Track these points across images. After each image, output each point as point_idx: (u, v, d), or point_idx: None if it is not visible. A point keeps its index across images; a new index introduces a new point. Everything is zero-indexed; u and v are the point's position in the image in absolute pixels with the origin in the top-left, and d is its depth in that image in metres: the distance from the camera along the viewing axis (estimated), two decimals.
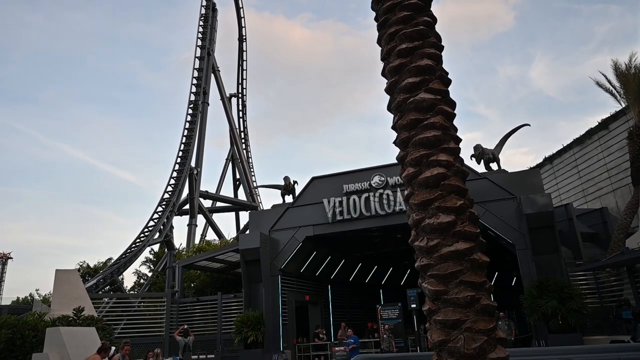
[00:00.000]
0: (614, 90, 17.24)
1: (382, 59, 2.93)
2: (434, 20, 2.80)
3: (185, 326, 16.63)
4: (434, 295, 2.36)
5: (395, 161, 3.46)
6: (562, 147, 28.08)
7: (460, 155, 2.61)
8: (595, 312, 13.78)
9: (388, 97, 3.06)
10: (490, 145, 18.20)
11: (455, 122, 2.87)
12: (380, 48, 2.95)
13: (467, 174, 2.52)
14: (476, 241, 2.37)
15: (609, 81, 17.03)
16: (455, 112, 2.67)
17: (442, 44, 3.05)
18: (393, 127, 2.77)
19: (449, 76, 2.88)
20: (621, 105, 18.07)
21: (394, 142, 2.76)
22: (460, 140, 2.64)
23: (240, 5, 52.02)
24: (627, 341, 10.44)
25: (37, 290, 45.48)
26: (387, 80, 2.85)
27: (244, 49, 53.63)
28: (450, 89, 2.85)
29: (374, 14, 3.07)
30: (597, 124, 24.78)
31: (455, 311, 2.25)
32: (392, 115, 2.93)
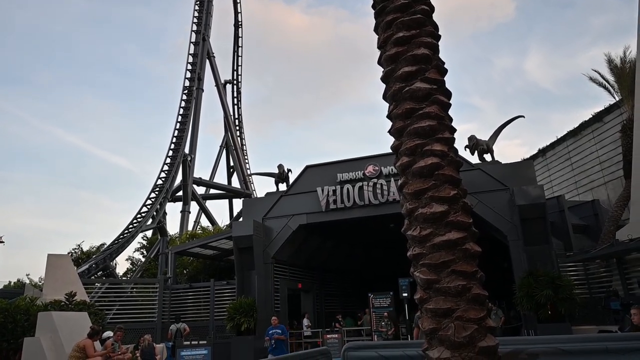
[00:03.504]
0: (607, 85, 17.31)
1: (378, 47, 2.91)
2: (432, 8, 2.78)
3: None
4: (425, 284, 2.38)
5: (389, 151, 3.45)
6: (555, 139, 28.18)
7: (455, 145, 2.61)
8: (584, 303, 13.99)
9: (385, 86, 3.05)
10: (485, 136, 18.26)
11: (450, 113, 2.87)
12: (377, 36, 2.93)
13: (462, 164, 2.52)
14: (469, 231, 2.39)
15: (602, 76, 17.10)
16: (450, 102, 2.67)
17: (440, 33, 3.04)
18: (388, 116, 2.76)
19: (445, 66, 2.87)
20: (615, 99, 18.16)
21: (389, 131, 2.75)
22: (455, 130, 2.64)
23: None
24: (615, 331, 10.62)
25: (27, 275, 45.33)
26: (383, 69, 2.84)
27: (240, 35, 53.11)
28: (446, 79, 2.84)
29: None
30: (590, 116, 24.87)
31: (446, 300, 2.27)
32: (387, 105, 2.92)
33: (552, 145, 28.68)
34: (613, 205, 16.47)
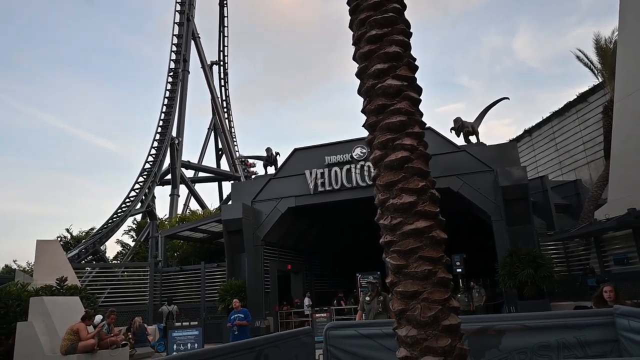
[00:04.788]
0: (592, 65, 17.54)
1: (353, 44, 3.04)
2: (403, 7, 2.90)
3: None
4: (395, 269, 2.57)
5: None
6: (541, 119, 28.56)
7: (425, 140, 2.77)
8: (563, 280, 14.50)
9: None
10: (472, 116, 18.46)
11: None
12: (352, 33, 3.06)
13: (430, 157, 2.70)
14: (435, 220, 2.57)
15: (587, 57, 17.31)
16: (421, 98, 2.82)
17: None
18: (362, 111, 2.92)
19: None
20: (598, 79, 18.43)
21: (363, 126, 2.91)
22: (425, 125, 2.79)
23: None
24: (590, 307, 11.09)
25: (14, 261, 45.16)
26: (357, 65, 2.97)
27: (225, 14, 52.21)
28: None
29: None
30: (575, 97, 25.20)
31: (414, 283, 2.46)
32: (362, 100, 3.06)
33: (538, 126, 29.07)
34: (593, 184, 16.90)
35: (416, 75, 2.82)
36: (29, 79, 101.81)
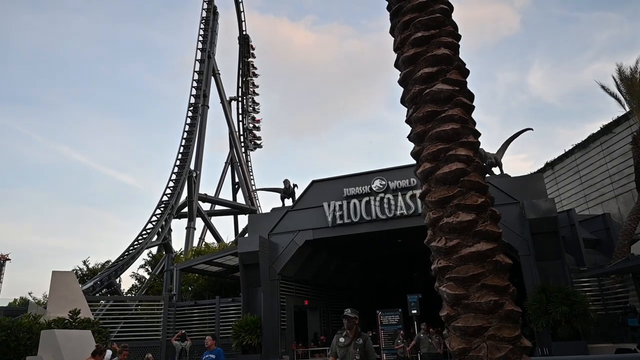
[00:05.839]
0: (618, 95, 17.13)
1: (395, 50, 2.77)
2: (451, 8, 2.64)
3: (183, 331, 16.42)
4: (453, 300, 2.19)
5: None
6: (563, 152, 27.90)
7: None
8: (600, 320, 13.58)
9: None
10: (491, 151, 18.06)
11: None
12: (393, 38, 2.79)
13: (487, 170, 2.34)
14: (498, 242, 2.21)
15: (617, 85, 16.90)
16: (474, 104, 2.51)
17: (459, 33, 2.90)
18: (407, 121, 2.61)
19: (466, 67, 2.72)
20: (625, 109, 17.96)
21: (408, 137, 2.59)
22: (479, 134, 2.48)
23: (242, 9, 52.08)
24: (634, 350, 10.25)
25: (29, 293, 45.07)
26: (400, 72, 2.69)
27: (245, 53, 53.59)
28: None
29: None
30: (599, 129, 24.63)
31: (477, 317, 2.08)
32: (406, 109, 2.76)
33: (561, 159, 28.38)
34: (626, 218, 16.11)
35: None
36: (53, 115, 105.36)
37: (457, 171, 2.24)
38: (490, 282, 2.11)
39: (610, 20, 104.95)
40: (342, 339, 5.93)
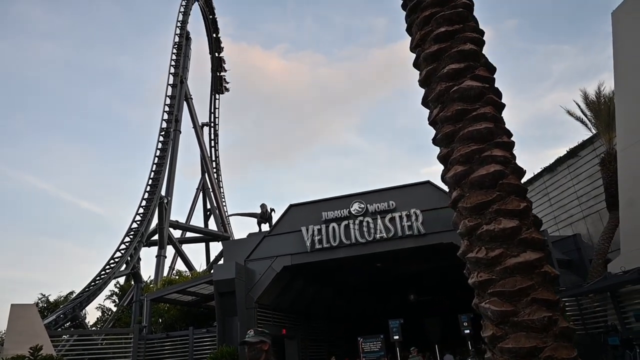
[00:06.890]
0: (584, 118, 17.76)
1: (413, 49, 2.61)
2: (472, 2, 2.50)
3: None
4: (499, 317, 1.94)
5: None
6: (532, 175, 28.65)
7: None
8: (580, 340, 13.57)
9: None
10: None
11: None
12: (411, 36, 2.62)
13: (524, 172, 2.15)
14: (545, 250, 1.99)
15: (581, 109, 17.55)
16: (504, 103, 2.34)
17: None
18: (432, 122, 2.41)
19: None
20: (592, 132, 18.61)
21: (433, 140, 2.39)
22: (512, 134, 2.29)
23: (214, 36, 52.25)
24: None
25: None
26: (420, 71, 2.51)
27: (217, 67, 53.68)
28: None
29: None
30: (565, 152, 25.44)
31: (529, 336, 1.83)
32: (429, 110, 2.56)
33: (530, 181, 29.07)
34: (599, 238, 16.44)
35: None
36: (16, 142, 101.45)
37: (495, 173, 2.03)
38: (540, 295, 1.88)
39: (565, 52, 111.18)
40: None
